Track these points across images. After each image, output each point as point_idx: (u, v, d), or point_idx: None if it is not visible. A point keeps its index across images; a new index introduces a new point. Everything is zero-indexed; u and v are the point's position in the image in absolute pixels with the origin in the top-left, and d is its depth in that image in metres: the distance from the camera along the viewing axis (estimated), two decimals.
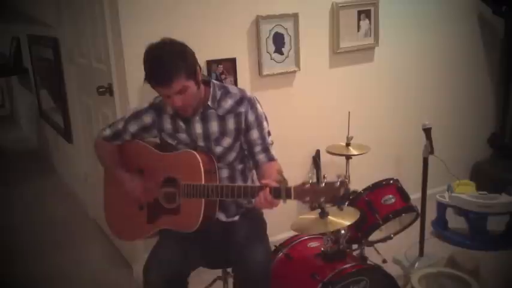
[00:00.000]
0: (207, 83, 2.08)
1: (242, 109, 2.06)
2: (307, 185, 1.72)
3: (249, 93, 2.12)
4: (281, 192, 1.76)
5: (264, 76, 2.96)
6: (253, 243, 1.99)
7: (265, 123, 2.12)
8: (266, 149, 2.11)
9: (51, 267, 3.20)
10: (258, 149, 2.10)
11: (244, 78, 2.90)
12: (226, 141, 2.08)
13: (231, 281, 2.19)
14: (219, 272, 2.35)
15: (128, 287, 2.95)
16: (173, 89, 1.89)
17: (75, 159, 3.98)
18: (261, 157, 2.10)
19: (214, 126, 2.07)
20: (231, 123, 2.07)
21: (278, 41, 2.96)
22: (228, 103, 2.07)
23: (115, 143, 2.21)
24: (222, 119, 2.07)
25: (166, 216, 2.07)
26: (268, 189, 1.77)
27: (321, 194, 1.71)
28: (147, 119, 2.13)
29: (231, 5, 2.80)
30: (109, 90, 2.84)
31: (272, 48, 2.96)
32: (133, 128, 2.15)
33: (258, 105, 2.10)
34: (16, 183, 4.83)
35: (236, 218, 2.14)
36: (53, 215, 4.03)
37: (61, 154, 4.70)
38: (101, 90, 2.87)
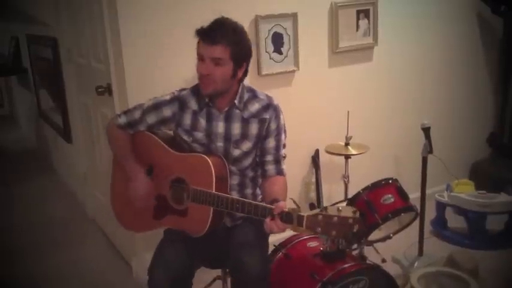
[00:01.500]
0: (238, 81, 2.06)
1: (267, 115, 2.06)
2: (320, 216, 1.67)
3: (275, 101, 2.11)
4: (293, 219, 1.72)
5: (263, 76, 2.96)
6: (251, 247, 1.96)
7: (283, 135, 2.11)
8: (277, 161, 2.09)
9: (50, 267, 3.20)
10: (269, 158, 2.08)
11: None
12: (246, 145, 2.06)
13: (230, 280, 2.19)
14: (218, 272, 2.36)
15: (127, 286, 2.95)
16: (213, 50, 1.90)
17: (74, 159, 3.98)
18: (271, 168, 2.08)
19: (236, 128, 2.05)
20: (254, 128, 2.05)
21: (277, 40, 2.96)
22: (255, 107, 2.06)
23: (129, 131, 2.13)
24: (246, 122, 2.05)
25: (173, 217, 2.04)
26: (278, 216, 1.74)
27: (333, 227, 1.66)
28: (168, 111, 2.07)
29: (230, 4, 2.79)
30: (108, 90, 2.84)
31: (271, 47, 2.95)
32: (151, 119, 2.09)
33: (282, 116, 2.10)
34: (15, 183, 4.83)
35: (239, 221, 2.13)
36: (52, 215, 4.03)
37: (60, 154, 4.70)
38: (99, 90, 2.87)
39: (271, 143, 2.07)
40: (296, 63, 3.05)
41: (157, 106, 2.08)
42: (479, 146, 4.09)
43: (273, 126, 2.06)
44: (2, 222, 3.97)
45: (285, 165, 2.14)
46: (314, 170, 3.26)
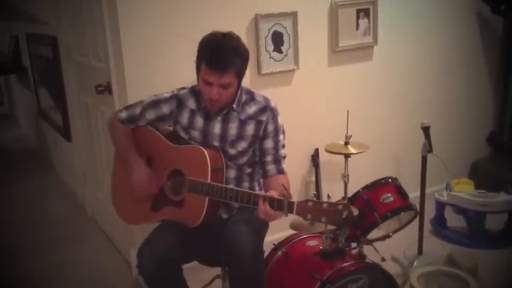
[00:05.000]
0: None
1: (264, 117, 2.11)
2: (310, 203, 1.72)
3: (273, 103, 2.15)
4: (283, 205, 1.77)
5: (263, 75, 2.96)
6: (243, 228, 1.98)
7: (281, 135, 2.16)
8: (277, 161, 2.14)
9: (49, 265, 3.20)
10: (269, 158, 2.13)
11: (243, 77, 2.90)
12: (242, 145, 2.11)
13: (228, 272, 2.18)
14: (218, 271, 2.36)
15: (127, 285, 2.95)
16: (222, 79, 1.93)
17: (74, 158, 3.98)
18: (271, 168, 2.13)
19: (233, 129, 2.09)
20: (250, 129, 2.10)
21: (277, 39, 2.96)
22: (252, 109, 2.11)
23: (129, 126, 2.21)
24: (242, 123, 2.10)
25: (170, 208, 2.09)
26: (268, 201, 1.79)
27: (323, 213, 1.71)
28: (166, 108, 2.14)
29: (230, 3, 2.80)
30: (108, 89, 2.84)
31: (271, 46, 2.95)
32: (150, 115, 2.16)
33: (279, 117, 2.14)
34: (15, 182, 4.83)
35: (235, 212, 2.16)
36: (52, 213, 4.03)
37: (60, 152, 4.70)
38: (99, 88, 2.87)
39: (269, 144, 2.12)
40: (296, 62, 3.05)
41: (156, 103, 2.15)
42: (479, 145, 4.09)
43: (270, 127, 2.11)
44: (2, 220, 3.98)
45: (285, 165, 2.17)
46: (314, 169, 3.26)
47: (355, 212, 2.12)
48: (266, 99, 2.15)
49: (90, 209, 3.89)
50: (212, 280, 2.43)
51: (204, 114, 2.10)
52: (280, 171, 2.14)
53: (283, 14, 2.94)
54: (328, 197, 1.75)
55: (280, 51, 2.99)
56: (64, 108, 3.89)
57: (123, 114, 2.20)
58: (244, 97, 2.12)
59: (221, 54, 1.92)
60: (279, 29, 2.96)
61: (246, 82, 2.87)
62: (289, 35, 2.99)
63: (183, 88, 2.17)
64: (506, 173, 3.70)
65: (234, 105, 2.08)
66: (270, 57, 2.97)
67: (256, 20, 2.87)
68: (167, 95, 2.16)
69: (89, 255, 3.32)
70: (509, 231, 3.23)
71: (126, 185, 2.21)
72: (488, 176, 3.76)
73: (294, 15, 2.97)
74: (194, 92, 2.12)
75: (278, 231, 2.82)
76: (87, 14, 3.01)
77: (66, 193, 4.42)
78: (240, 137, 2.10)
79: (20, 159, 5.74)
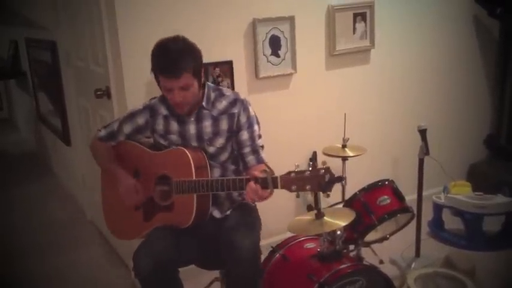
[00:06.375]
0: (202, 85, 2.12)
1: (235, 110, 2.14)
2: (293, 174, 1.77)
3: (242, 95, 2.18)
4: (268, 182, 1.80)
5: (260, 78, 2.97)
6: (240, 228, 2.01)
7: (256, 126, 2.19)
8: (255, 151, 2.17)
9: (49, 268, 3.21)
10: (247, 150, 2.16)
11: (241, 81, 2.92)
12: (219, 141, 2.13)
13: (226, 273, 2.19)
14: (216, 274, 2.37)
15: None
16: (179, 82, 1.95)
17: (73, 162, 3.99)
18: (251, 159, 2.17)
19: (208, 127, 2.12)
20: (224, 124, 2.13)
21: (275, 43, 2.98)
22: (222, 104, 2.14)
23: (109, 143, 2.25)
24: (215, 119, 2.13)
25: (162, 214, 2.11)
26: (254, 180, 1.82)
27: (306, 181, 1.75)
28: (141, 119, 2.18)
29: (227, 8, 2.82)
30: (107, 93, 2.86)
31: (269, 50, 2.97)
32: (127, 129, 2.20)
33: (250, 108, 2.18)
34: (14, 186, 4.84)
35: (228, 212, 2.18)
36: (51, 217, 4.04)
37: (59, 156, 4.71)
38: (98, 93, 2.89)
39: (244, 135, 2.16)
40: (293, 66, 3.07)
41: (131, 116, 2.21)
42: (476, 148, 4.10)
43: (242, 119, 2.14)
44: (2, 224, 3.98)
45: (264, 154, 2.20)
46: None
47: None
48: (235, 93, 2.19)
49: (89, 213, 3.90)
50: (211, 283, 2.44)
51: (177, 118, 2.14)
52: (260, 161, 2.17)
53: (280, 18, 2.96)
54: (296, 166, 1.78)
55: (277, 55, 3.01)
56: (63, 112, 3.91)
57: (102, 133, 2.26)
58: (212, 94, 2.15)
59: (171, 59, 1.94)
60: (277, 33, 2.97)
61: (243, 86, 2.92)
62: (287, 39, 3.01)
63: (154, 98, 2.21)
64: (504, 175, 3.71)
65: (204, 103, 2.11)
66: (268, 61, 2.98)
67: (254, 24, 2.88)
68: (140, 107, 2.21)
69: (88, 259, 3.33)
70: (507, 233, 3.23)
71: (116, 202, 2.23)
72: (486, 179, 3.77)
73: (291, 20, 2.99)
74: (164, 99, 2.15)
75: (276, 234, 2.83)
76: (85, 18, 3.02)
77: (65, 197, 4.43)
78: (215, 133, 2.13)
79: (20, 163, 5.75)
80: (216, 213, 2.17)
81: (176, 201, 2.06)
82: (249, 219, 2.13)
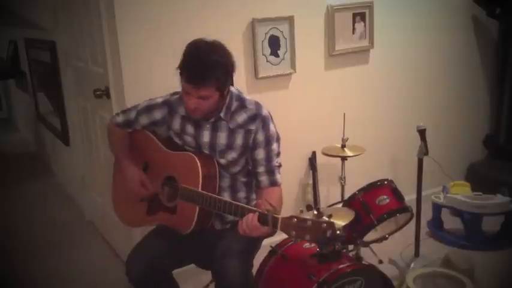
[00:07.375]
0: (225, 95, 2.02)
1: (253, 127, 2.02)
2: (295, 220, 1.67)
3: (265, 110, 2.06)
4: (268, 220, 1.73)
5: (259, 78, 2.97)
6: (232, 256, 1.94)
7: (274, 144, 2.07)
8: (270, 172, 2.06)
9: (48, 269, 3.21)
10: (261, 169, 2.05)
11: (240, 81, 2.92)
12: (231, 155, 2.05)
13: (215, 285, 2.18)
14: None
15: None
16: (199, 92, 1.88)
17: (72, 162, 3.99)
18: (263, 179, 2.06)
19: (222, 138, 2.04)
20: (239, 139, 2.04)
21: (274, 43, 2.98)
22: (242, 117, 2.03)
23: (126, 130, 2.22)
24: (231, 132, 2.04)
25: (164, 213, 2.10)
26: (256, 214, 1.75)
27: (306, 231, 1.65)
28: (158, 114, 2.13)
29: (226, 8, 2.82)
30: (106, 93, 2.85)
31: (268, 50, 2.97)
32: (144, 121, 2.16)
33: (271, 125, 2.06)
34: (14, 186, 4.83)
35: (228, 226, 2.13)
36: (50, 217, 4.03)
37: (58, 157, 4.71)
38: (98, 93, 2.88)
39: (260, 154, 2.05)
40: (293, 65, 3.07)
41: (149, 109, 2.15)
42: (475, 148, 4.11)
43: (260, 137, 2.03)
44: (1, 224, 3.98)
45: (280, 174, 2.10)
46: (311, 172, 3.27)
47: (343, 222, 2.09)
48: (258, 107, 2.06)
49: (88, 213, 3.90)
50: (211, 281, 2.44)
51: (193, 121, 2.07)
52: (273, 183, 2.06)
53: (279, 18, 2.96)
54: (314, 214, 1.70)
55: (277, 55, 3.01)
56: (62, 112, 3.90)
57: (120, 118, 2.22)
58: (234, 104, 2.04)
59: (200, 67, 1.84)
60: (276, 33, 2.97)
61: (242, 86, 2.91)
62: (286, 39, 3.01)
63: (176, 93, 2.13)
64: (503, 175, 3.72)
65: (222, 114, 2.02)
66: (267, 61, 2.98)
67: (253, 24, 2.89)
68: (160, 100, 2.15)
69: (87, 258, 3.33)
70: (506, 233, 3.24)
71: (124, 189, 2.23)
72: (485, 179, 3.78)
73: (290, 20, 2.99)
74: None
75: (275, 234, 2.82)
76: (85, 18, 3.02)
77: (64, 197, 4.43)
78: (229, 146, 2.04)
79: (19, 163, 5.75)
80: (217, 225, 2.12)
81: (179, 205, 2.03)
82: (244, 243, 1.99)
